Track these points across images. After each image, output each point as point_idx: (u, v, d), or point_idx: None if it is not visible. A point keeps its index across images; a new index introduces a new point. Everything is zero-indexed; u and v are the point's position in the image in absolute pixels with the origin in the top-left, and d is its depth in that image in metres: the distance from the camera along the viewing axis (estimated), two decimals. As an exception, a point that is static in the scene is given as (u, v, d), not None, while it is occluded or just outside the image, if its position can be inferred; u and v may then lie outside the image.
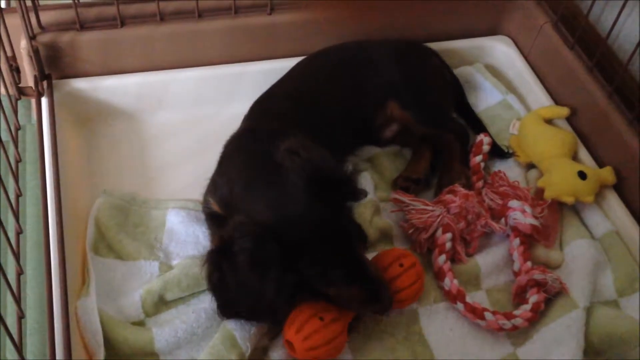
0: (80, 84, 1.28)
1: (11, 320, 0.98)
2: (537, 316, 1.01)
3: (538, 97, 1.33)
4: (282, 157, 0.92)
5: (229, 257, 0.88)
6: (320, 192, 0.89)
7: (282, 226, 0.88)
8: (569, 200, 1.13)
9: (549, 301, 1.03)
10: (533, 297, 1.02)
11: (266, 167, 0.94)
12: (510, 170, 1.22)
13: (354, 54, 1.24)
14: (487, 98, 1.37)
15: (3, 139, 0.99)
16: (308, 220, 0.88)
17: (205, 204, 1.08)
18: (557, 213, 1.15)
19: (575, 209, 1.17)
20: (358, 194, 0.97)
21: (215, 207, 1.04)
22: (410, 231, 1.10)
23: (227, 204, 1.00)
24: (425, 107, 1.22)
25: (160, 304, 1.02)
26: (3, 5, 1.32)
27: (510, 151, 1.25)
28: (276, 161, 0.92)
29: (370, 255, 1.02)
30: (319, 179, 0.89)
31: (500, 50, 1.44)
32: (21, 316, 0.86)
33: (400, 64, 1.23)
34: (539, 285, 1.03)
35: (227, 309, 0.95)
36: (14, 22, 1.17)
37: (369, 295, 0.92)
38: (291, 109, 1.12)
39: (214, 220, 1.06)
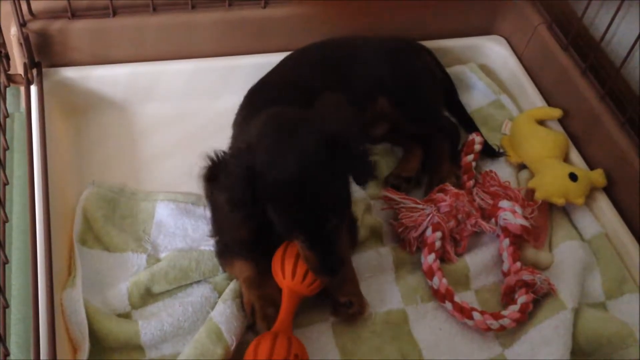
0: (70, 73, 1.27)
1: (-5, 310, 0.97)
2: (526, 317, 1.01)
3: (531, 97, 1.33)
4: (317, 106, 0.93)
5: (219, 182, 0.90)
6: (331, 155, 0.87)
7: (272, 169, 0.86)
8: (560, 201, 1.13)
9: (537, 302, 1.03)
10: (521, 298, 1.02)
11: (290, 120, 0.93)
12: (501, 170, 1.22)
13: (346, 48, 1.24)
14: (479, 97, 1.37)
15: (-9, 126, 0.98)
16: (301, 172, 0.85)
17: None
18: (547, 214, 1.15)
19: (566, 211, 1.17)
20: (367, 174, 0.94)
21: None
22: (400, 230, 1.09)
23: None
24: (415, 105, 1.22)
25: (147, 296, 1.02)
26: (-7, -8, 1.31)
27: (502, 151, 1.25)
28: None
29: None
30: (335, 141, 0.87)
31: (494, 50, 1.43)
32: (5, 306, 0.85)
33: (391, 60, 1.22)
34: (528, 286, 1.03)
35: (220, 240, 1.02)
36: (4, 8, 1.17)
37: (318, 265, 0.92)
38: (292, 99, 1.10)
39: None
